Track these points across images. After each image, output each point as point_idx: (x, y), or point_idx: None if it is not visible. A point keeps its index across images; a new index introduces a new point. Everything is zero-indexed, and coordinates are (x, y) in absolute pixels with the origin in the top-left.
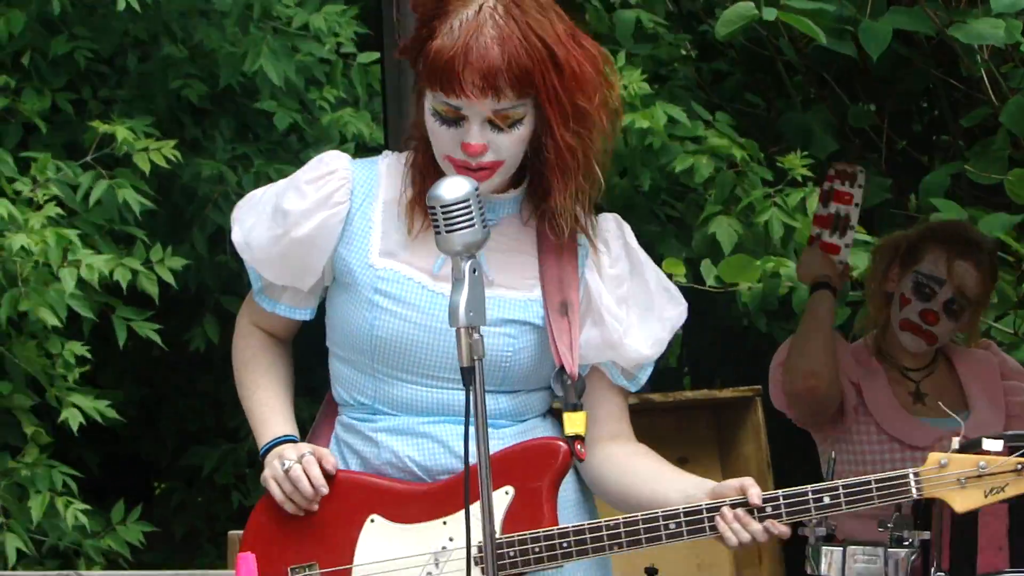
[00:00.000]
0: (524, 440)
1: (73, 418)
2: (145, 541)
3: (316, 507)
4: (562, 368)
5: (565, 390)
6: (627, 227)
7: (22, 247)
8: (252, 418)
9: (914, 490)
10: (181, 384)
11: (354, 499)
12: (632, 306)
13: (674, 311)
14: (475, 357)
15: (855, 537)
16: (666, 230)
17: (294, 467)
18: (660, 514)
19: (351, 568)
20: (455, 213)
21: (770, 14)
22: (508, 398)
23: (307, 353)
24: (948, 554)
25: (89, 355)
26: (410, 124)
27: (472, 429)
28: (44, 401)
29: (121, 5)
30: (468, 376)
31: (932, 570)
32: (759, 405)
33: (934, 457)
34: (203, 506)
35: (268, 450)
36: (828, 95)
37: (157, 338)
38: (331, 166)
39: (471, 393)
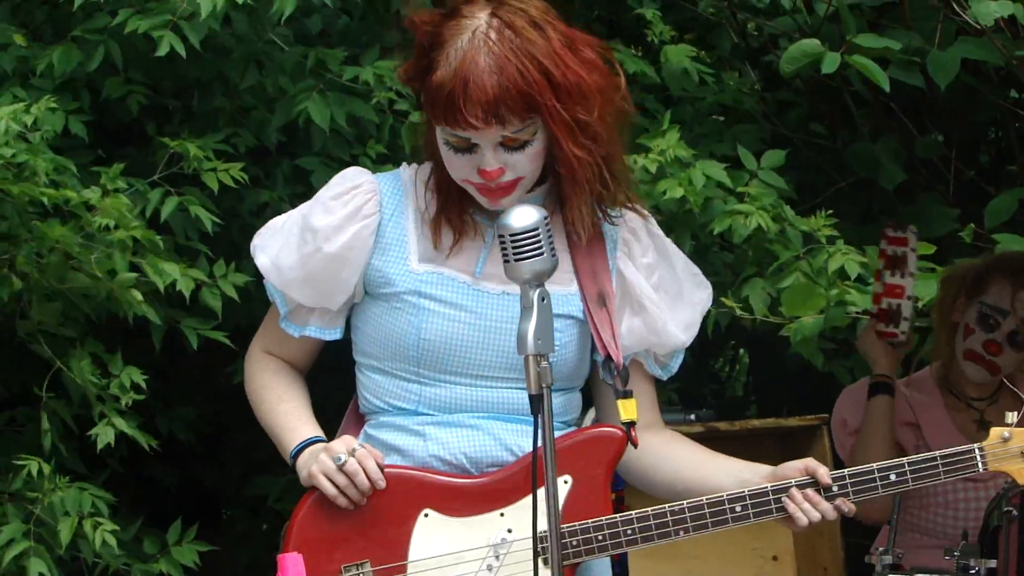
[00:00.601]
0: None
1: (104, 436)
2: (201, 564)
3: (365, 502)
4: (608, 357)
5: (614, 378)
6: (650, 216)
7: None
8: (277, 427)
9: (980, 464)
10: (245, 413)
11: (404, 494)
12: (665, 293)
13: (703, 294)
14: (544, 384)
15: (922, 566)
16: (722, 280)
17: (349, 461)
18: (726, 497)
19: (405, 564)
20: (524, 241)
21: (832, 63)
22: (556, 396)
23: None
24: None
25: (144, 384)
26: (424, 142)
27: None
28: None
29: (163, 50)
30: (537, 404)
31: None
32: (825, 433)
33: (996, 432)
34: (268, 534)
35: (300, 451)
36: (895, 125)
37: (228, 342)
38: (355, 181)
39: (539, 420)
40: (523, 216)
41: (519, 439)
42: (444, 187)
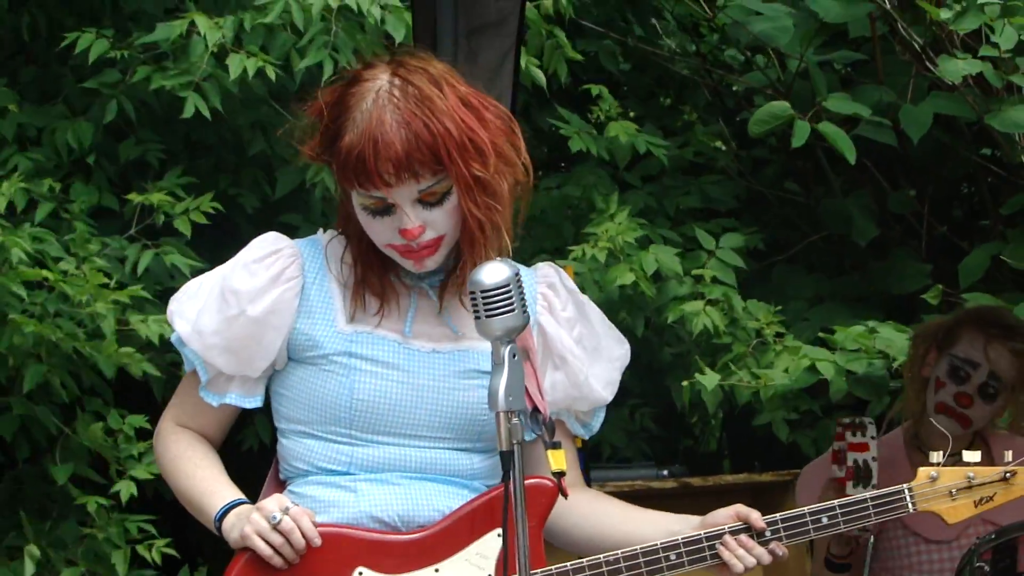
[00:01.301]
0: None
1: (127, 489)
2: None
3: (298, 561)
4: (535, 409)
5: (542, 430)
6: (564, 273)
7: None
8: (196, 494)
9: (909, 505)
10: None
11: (338, 552)
12: (583, 349)
13: (620, 350)
14: (515, 441)
15: None
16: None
17: (284, 519)
18: (660, 545)
19: None
20: (496, 298)
21: (802, 135)
22: (482, 458)
23: None
24: None
25: (149, 425)
26: (339, 215)
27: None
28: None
29: (189, 112)
30: (508, 460)
31: None
32: (794, 490)
33: (924, 472)
34: None
35: (225, 514)
36: (868, 180)
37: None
38: (276, 245)
39: (511, 477)
40: (494, 273)
41: (450, 500)
42: (362, 257)
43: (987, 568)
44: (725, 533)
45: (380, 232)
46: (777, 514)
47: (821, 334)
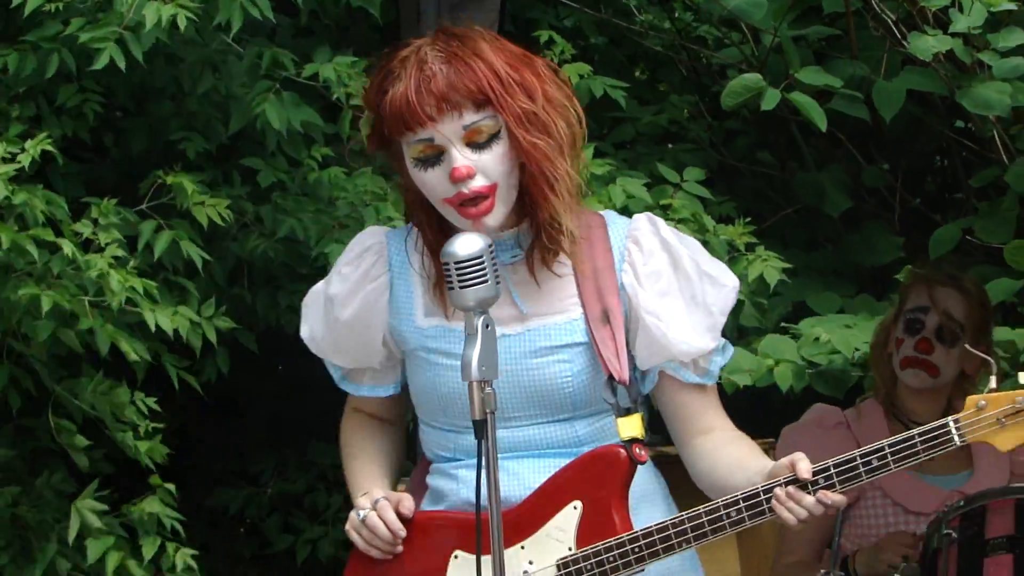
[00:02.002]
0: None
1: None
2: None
3: (400, 549)
4: (611, 376)
5: (617, 396)
6: (660, 222)
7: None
8: (347, 482)
9: (956, 438)
10: (209, 432)
11: (436, 537)
12: (676, 299)
13: (719, 294)
14: (488, 410)
15: None
16: None
17: (369, 514)
18: (721, 503)
19: None
20: (468, 270)
21: (772, 100)
22: (585, 424)
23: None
24: None
25: (159, 408)
26: (406, 202)
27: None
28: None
29: (102, 63)
30: (480, 429)
31: None
32: (774, 457)
33: (972, 400)
34: (226, 542)
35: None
36: (842, 154)
37: (198, 387)
38: (366, 243)
39: (483, 445)
40: (468, 244)
41: (537, 475)
42: (432, 244)
43: (954, 535)
44: (779, 485)
45: (434, 185)
46: (830, 460)
47: (784, 324)
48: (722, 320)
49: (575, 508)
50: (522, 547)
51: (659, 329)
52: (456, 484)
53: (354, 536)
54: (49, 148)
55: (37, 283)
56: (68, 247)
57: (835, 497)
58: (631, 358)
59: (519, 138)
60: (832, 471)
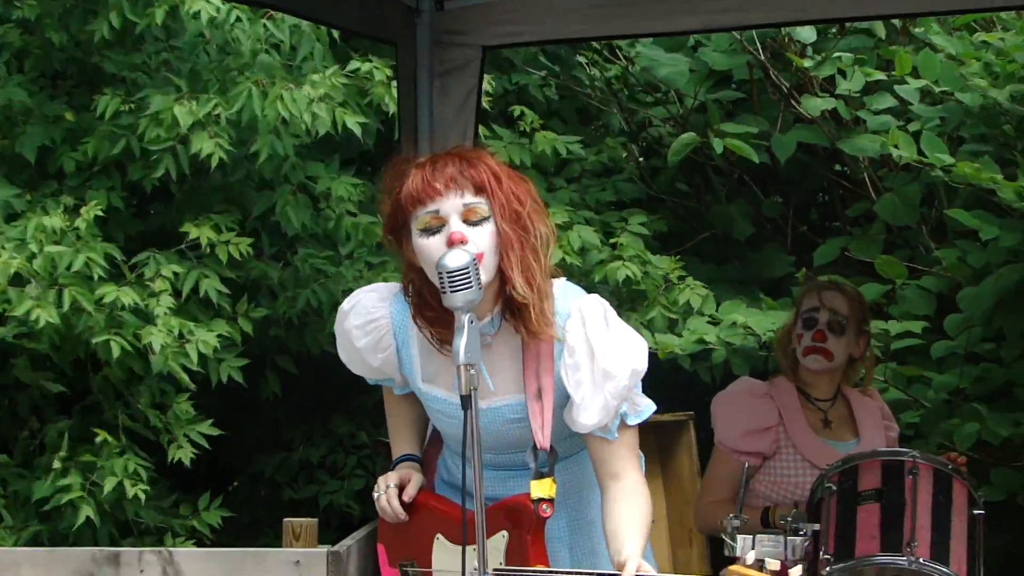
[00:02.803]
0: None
1: (185, 456)
2: (222, 524)
3: (405, 518)
4: (534, 445)
5: (536, 461)
6: (589, 314)
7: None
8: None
9: None
10: (248, 415)
11: (428, 519)
12: (586, 384)
13: (613, 384)
14: (472, 387)
15: (762, 528)
16: None
17: (381, 497)
18: (583, 574)
19: (431, 571)
20: (457, 278)
21: (719, 147)
22: (558, 446)
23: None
24: (833, 541)
25: (194, 410)
26: (404, 282)
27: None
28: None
29: (159, 172)
30: (467, 402)
31: (820, 553)
32: (691, 426)
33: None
34: (264, 499)
35: (393, 468)
36: (746, 191)
37: (241, 379)
38: (373, 314)
39: (468, 416)
40: (457, 258)
41: (497, 487)
42: (424, 311)
43: (834, 488)
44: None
45: (433, 251)
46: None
47: (708, 312)
48: (617, 402)
49: (503, 536)
50: (474, 548)
51: (577, 412)
52: (454, 469)
53: (377, 506)
54: (100, 214)
55: (107, 329)
56: (129, 298)
57: None
58: (557, 426)
59: (504, 227)
60: None
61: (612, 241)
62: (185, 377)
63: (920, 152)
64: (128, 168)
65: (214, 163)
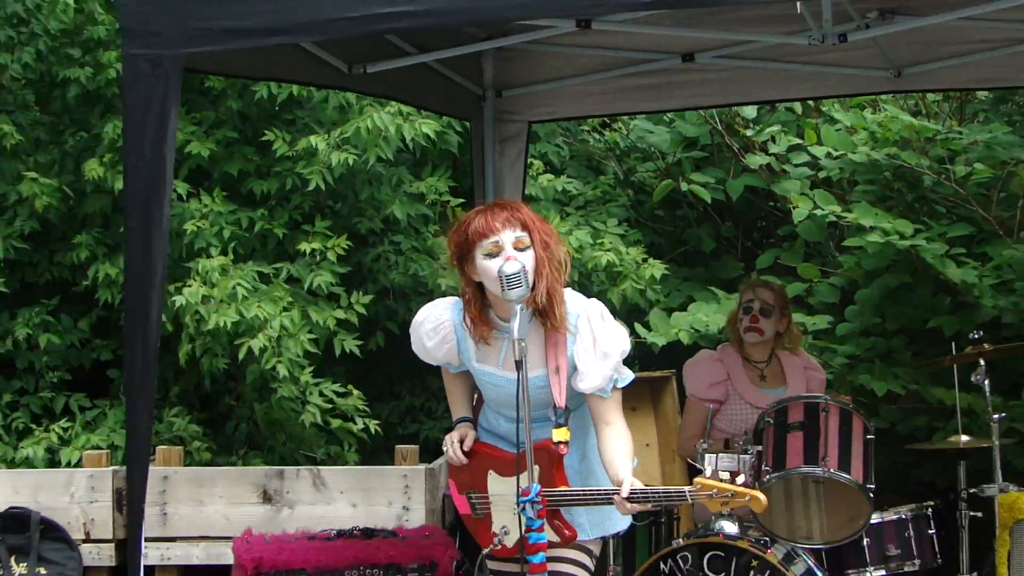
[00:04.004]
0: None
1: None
2: None
3: (467, 462)
4: (554, 404)
5: (556, 415)
6: (592, 314)
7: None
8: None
9: (688, 498)
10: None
11: (482, 461)
12: (590, 363)
13: (608, 360)
14: (523, 355)
15: (723, 450)
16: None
17: (448, 450)
18: (600, 491)
19: (487, 496)
20: (513, 280)
21: (685, 187)
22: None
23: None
24: (771, 458)
25: (338, 393)
26: (462, 294)
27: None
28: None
29: (312, 185)
30: (519, 365)
31: (762, 466)
32: (673, 380)
33: (698, 481)
34: (383, 434)
35: (453, 427)
36: (709, 218)
37: (358, 351)
38: (439, 320)
39: (520, 375)
40: (513, 267)
41: (538, 434)
42: (478, 318)
43: (771, 421)
44: (617, 493)
45: (493, 268)
46: (639, 487)
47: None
48: (612, 372)
49: (536, 468)
50: (515, 480)
51: (581, 379)
52: (498, 423)
53: (446, 451)
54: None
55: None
56: (263, 312)
57: (639, 507)
58: (569, 390)
59: (539, 253)
60: (636, 494)
61: (599, 241)
62: (311, 346)
63: (816, 204)
64: (291, 198)
65: (342, 165)
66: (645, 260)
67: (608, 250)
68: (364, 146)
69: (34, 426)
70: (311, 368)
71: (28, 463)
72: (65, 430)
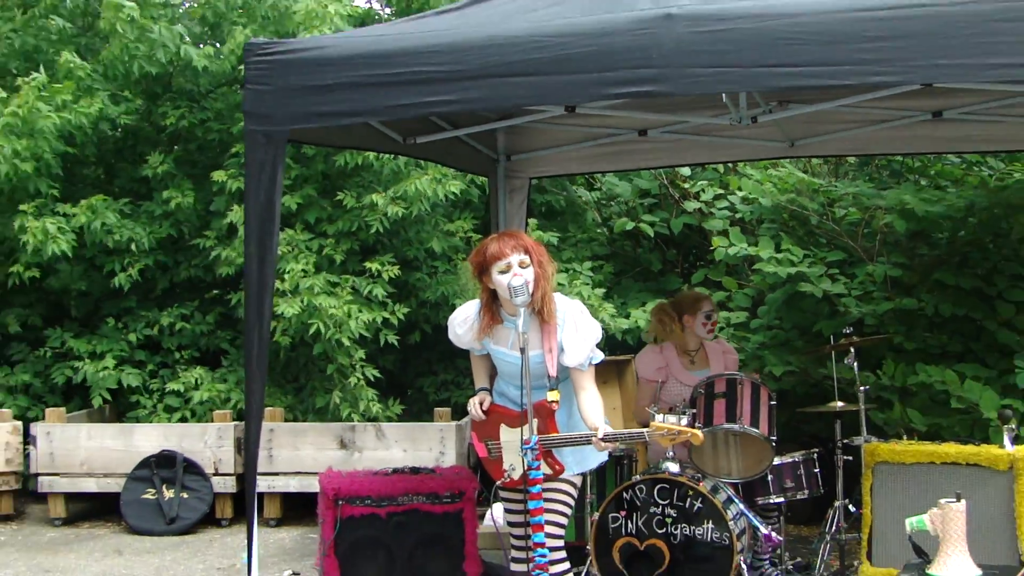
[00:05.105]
0: (542, 400)
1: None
2: (402, 414)
3: (484, 419)
4: (549, 375)
5: (550, 382)
6: (576, 310)
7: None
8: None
9: (647, 436)
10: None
11: (496, 417)
12: (574, 345)
13: (586, 345)
14: (525, 343)
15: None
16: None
17: (472, 409)
18: (582, 437)
19: (499, 442)
20: (519, 291)
21: (641, 226)
22: (550, 383)
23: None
24: (702, 418)
25: (379, 375)
26: (481, 298)
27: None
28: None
29: (374, 228)
30: (524, 351)
31: (695, 424)
32: (632, 363)
33: (653, 424)
34: (423, 400)
35: (475, 394)
36: (658, 247)
37: (395, 342)
38: (468, 313)
39: (524, 357)
40: (518, 280)
41: (532, 398)
42: (492, 310)
43: (702, 392)
44: (595, 437)
45: (504, 282)
46: (611, 430)
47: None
48: (589, 351)
49: (535, 421)
50: (521, 431)
51: (566, 357)
52: (509, 391)
53: (470, 411)
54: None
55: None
56: (327, 304)
57: (609, 445)
58: (559, 364)
59: (537, 270)
60: (608, 435)
61: (573, 283)
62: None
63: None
64: (359, 234)
65: (396, 214)
66: (601, 304)
67: (577, 293)
68: (411, 200)
69: (172, 384)
70: (362, 351)
71: (168, 410)
72: (196, 381)
